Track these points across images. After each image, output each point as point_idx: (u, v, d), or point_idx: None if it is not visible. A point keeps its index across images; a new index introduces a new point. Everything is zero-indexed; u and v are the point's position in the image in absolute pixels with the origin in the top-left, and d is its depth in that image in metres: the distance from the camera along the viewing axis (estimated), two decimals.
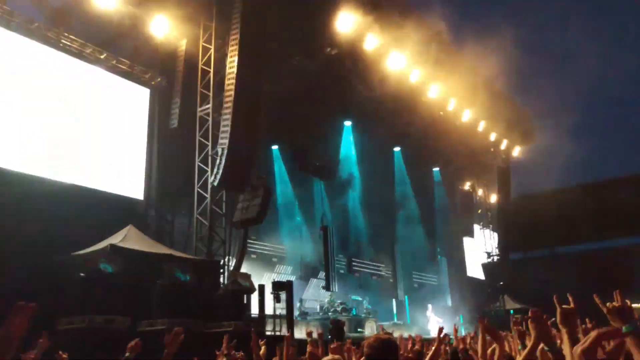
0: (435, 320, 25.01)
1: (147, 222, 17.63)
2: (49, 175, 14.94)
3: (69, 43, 16.05)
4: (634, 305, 2.34)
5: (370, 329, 21.38)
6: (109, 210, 15.73)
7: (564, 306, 2.46)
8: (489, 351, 4.80)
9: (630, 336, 2.11)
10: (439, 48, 22.32)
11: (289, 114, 21.85)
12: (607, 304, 2.29)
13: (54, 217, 13.93)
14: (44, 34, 15.42)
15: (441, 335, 4.84)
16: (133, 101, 17.88)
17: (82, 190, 15.55)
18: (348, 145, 26.38)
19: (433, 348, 4.52)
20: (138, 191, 17.58)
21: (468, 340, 7.35)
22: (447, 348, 6.49)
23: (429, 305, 25.93)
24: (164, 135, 18.62)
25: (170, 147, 18.60)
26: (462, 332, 15.55)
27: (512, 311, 27.78)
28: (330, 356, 4.05)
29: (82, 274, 12.24)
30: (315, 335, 6.38)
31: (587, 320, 4.67)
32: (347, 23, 19.97)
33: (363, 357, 3.64)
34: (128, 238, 14.12)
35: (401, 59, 22.25)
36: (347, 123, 26.23)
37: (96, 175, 16.28)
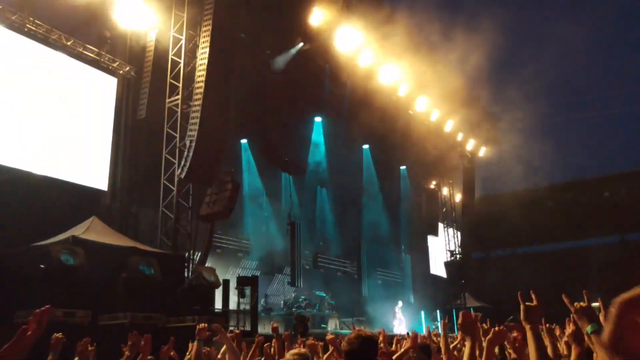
0: (399, 318, 25.29)
1: (112, 213, 17.34)
2: (8, 163, 14.49)
3: (34, 28, 15.60)
4: (592, 304, 2.42)
5: (333, 325, 21.52)
6: (72, 201, 15.40)
7: (527, 303, 2.52)
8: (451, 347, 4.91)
9: (594, 335, 2.19)
10: (409, 46, 22.49)
11: (259, 107, 21.76)
12: (575, 304, 2.37)
13: (13, 206, 13.59)
14: (7, 18, 14.94)
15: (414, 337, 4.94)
16: (100, 90, 17.50)
17: (44, 180, 15.13)
18: (318, 141, 26.40)
19: (402, 350, 4.58)
20: (103, 182, 17.23)
21: (433, 338, 7.49)
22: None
23: (399, 302, 26.19)
24: (131, 125, 18.32)
25: (137, 138, 18.33)
26: (423, 329, 15.75)
27: (472, 309, 28.36)
28: (297, 349, 4.06)
29: (42, 266, 11.93)
30: (281, 330, 6.41)
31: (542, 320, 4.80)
32: (319, 18, 19.98)
33: (340, 353, 3.65)
34: (91, 229, 13.86)
35: (372, 56, 22.39)
36: (318, 119, 26.25)
37: (59, 165, 15.88)
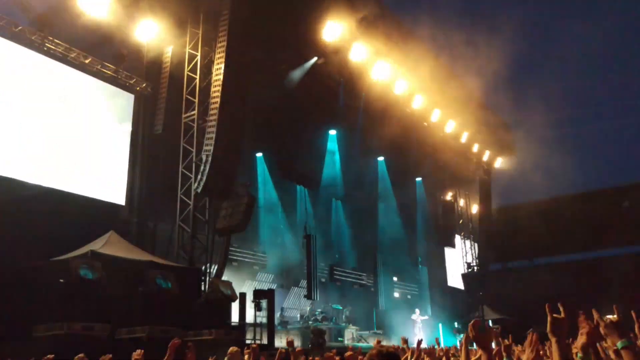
0: (420, 325, 25.10)
1: (129, 228, 17.50)
2: (29, 179, 14.78)
3: (53, 47, 15.95)
4: (609, 316, 2.40)
5: (350, 338, 21.42)
6: (91, 215, 15.60)
7: (554, 315, 2.48)
8: None
9: (626, 351, 2.17)
10: (423, 59, 22.53)
11: (274, 121, 21.92)
12: (605, 318, 2.34)
13: (33, 221, 13.80)
14: (28, 38, 15.31)
15: (421, 346, 4.91)
16: (117, 106, 17.79)
17: (63, 195, 15.40)
18: (333, 154, 26.48)
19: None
20: (120, 197, 17.46)
21: (452, 351, 7.43)
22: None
23: (416, 310, 26.00)
24: (148, 141, 18.55)
25: (154, 153, 18.54)
26: (442, 343, 15.63)
27: (490, 321, 28.04)
28: None
29: (61, 280, 12.09)
30: (298, 344, 6.44)
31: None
32: (333, 32, 20.13)
33: None
34: (109, 244, 14.01)
35: (386, 69, 22.46)
36: (332, 132, 26.34)
37: (78, 180, 16.14)
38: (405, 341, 6.56)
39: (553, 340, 2.40)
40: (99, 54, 17.25)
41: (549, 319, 2.45)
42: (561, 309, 2.47)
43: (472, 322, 2.75)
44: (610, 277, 30.04)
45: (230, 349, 4.78)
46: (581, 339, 2.50)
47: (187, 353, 5.00)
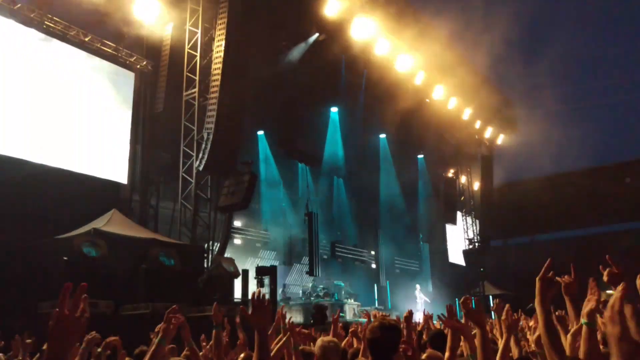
0: (423, 300, 25.37)
1: (131, 206, 17.63)
2: (31, 158, 14.83)
3: (52, 25, 15.85)
4: (608, 291, 2.47)
5: (351, 314, 21.66)
6: (93, 194, 15.69)
7: (566, 277, 2.63)
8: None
9: (586, 328, 2.24)
10: (426, 34, 22.34)
11: (275, 99, 21.85)
12: (607, 270, 2.43)
13: (36, 200, 13.92)
14: (26, 15, 15.19)
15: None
16: (118, 85, 17.74)
17: (66, 174, 15.47)
18: (334, 131, 26.43)
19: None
20: (122, 175, 17.52)
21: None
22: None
23: (417, 286, 26.24)
24: (149, 119, 18.55)
25: (156, 131, 18.55)
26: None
27: (491, 297, 28.30)
28: (328, 337, 4.16)
29: (65, 258, 12.23)
30: (300, 319, 6.51)
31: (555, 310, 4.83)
32: (334, 7, 19.93)
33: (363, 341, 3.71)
34: (112, 222, 14.13)
35: (388, 46, 22.28)
36: (334, 109, 26.26)
37: (80, 159, 16.20)
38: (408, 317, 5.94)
39: (567, 299, 2.55)
40: (99, 31, 17.15)
41: (561, 282, 2.57)
42: (572, 270, 2.64)
43: (462, 299, 2.79)
44: (611, 252, 30.13)
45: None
46: (589, 305, 2.56)
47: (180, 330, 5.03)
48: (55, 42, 16.00)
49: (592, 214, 34.00)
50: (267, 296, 2.55)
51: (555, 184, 33.52)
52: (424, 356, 3.59)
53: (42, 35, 15.66)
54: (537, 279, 2.42)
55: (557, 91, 39.77)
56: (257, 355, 2.58)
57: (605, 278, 2.48)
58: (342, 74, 24.32)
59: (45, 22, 15.66)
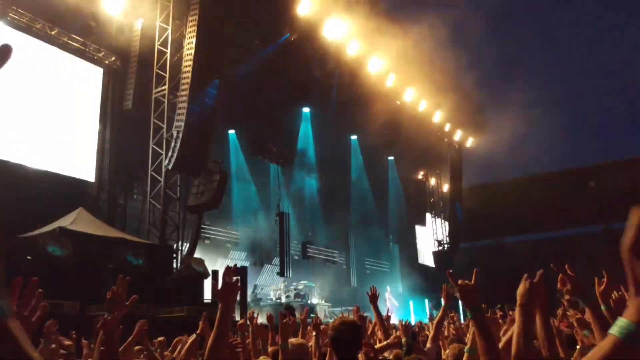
0: (392, 303, 25.43)
1: (99, 205, 17.24)
2: None
3: (17, 17, 15.39)
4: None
5: (322, 315, 21.59)
6: (59, 192, 15.27)
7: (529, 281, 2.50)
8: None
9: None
10: (397, 37, 22.47)
11: (246, 98, 21.65)
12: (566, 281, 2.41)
13: (0, 198, 13.47)
14: None
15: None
16: (85, 81, 17.34)
17: (30, 171, 15.02)
18: (306, 132, 26.37)
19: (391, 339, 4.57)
20: (90, 173, 17.13)
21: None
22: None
23: (387, 288, 26.31)
24: (118, 116, 18.19)
25: (124, 128, 18.20)
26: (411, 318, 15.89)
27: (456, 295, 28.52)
28: (298, 340, 4.11)
29: (28, 257, 11.87)
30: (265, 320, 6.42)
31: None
32: (307, 8, 19.89)
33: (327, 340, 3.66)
34: (78, 221, 13.78)
35: (360, 47, 22.35)
36: (306, 109, 26.20)
37: (45, 156, 15.75)
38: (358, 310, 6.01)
39: (518, 304, 2.35)
40: (66, 25, 16.72)
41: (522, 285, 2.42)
42: (568, 270, 2.59)
43: (448, 270, 2.66)
44: (575, 255, 30.82)
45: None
46: (599, 288, 2.56)
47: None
48: (20, 35, 15.51)
49: (558, 217, 34.66)
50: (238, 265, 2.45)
51: (522, 187, 34.13)
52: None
53: (6, 27, 15.17)
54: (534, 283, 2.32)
55: (525, 95, 40.58)
56: (216, 329, 2.45)
57: (559, 285, 2.46)
58: (314, 74, 24.27)
59: (10, 14, 15.19)
